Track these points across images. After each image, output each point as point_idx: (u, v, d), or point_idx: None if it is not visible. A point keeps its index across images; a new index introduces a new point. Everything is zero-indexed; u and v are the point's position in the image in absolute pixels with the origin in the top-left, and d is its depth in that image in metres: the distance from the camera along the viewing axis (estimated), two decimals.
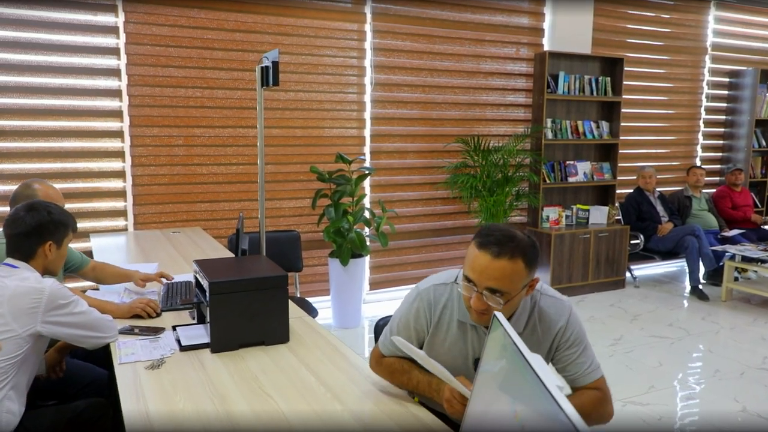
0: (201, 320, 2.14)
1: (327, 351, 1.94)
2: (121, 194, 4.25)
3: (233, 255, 3.21)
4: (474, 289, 1.43)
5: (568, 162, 5.70)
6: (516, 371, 0.99)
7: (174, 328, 2.11)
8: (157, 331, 2.09)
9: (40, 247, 1.90)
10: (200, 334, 2.03)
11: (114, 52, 4.10)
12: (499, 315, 1.09)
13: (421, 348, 1.65)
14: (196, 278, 2.11)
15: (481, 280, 1.42)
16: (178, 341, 1.98)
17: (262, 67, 2.63)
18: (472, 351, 1.61)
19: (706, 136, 6.72)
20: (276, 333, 1.98)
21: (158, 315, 2.25)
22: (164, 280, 2.57)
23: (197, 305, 2.16)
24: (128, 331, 2.07)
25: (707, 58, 6.49)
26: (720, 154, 6.85)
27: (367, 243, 4.61)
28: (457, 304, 1.61)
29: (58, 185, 4.01)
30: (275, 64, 2.53)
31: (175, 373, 1.75)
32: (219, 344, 1.91)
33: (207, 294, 1.90)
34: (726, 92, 6.72)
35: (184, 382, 1.69)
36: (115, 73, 4.12)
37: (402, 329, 1.68)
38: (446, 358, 1.60)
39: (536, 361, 0.87)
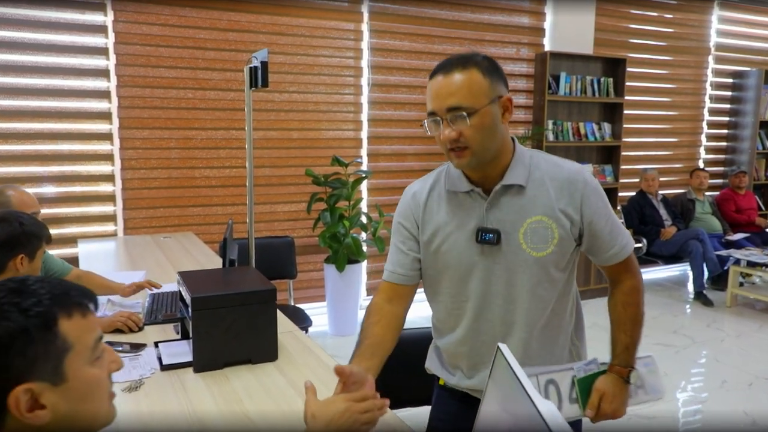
0: (185, 335, 2.02)
1: (317, 370, 1.82)
2: (110, 198, 4.13)
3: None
4: (438, 119, 1.36)
5: None
6: (517, 399, 0.88)
7: (156, 344, 1.99)
8: (138, 347, 1.97)
9: (10, 261, 1.78)
10: (183, 351, 1.91)
11: (103, 52, 3.98)
12: (503, 346, 0.98)
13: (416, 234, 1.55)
14: (180, 291, 2.00)
15: (440, 103, 1.35)
16: (160, 359, 1.86)
17: (250, 68, 2.51)
18: (470, 220, 1.46)
19: (710, 137, 6.61)
20: (263, 351, 1.86)
21: (140, 329, 2.14)
22: (153, 289, 2.41)
23: (181, 320, 2.04)
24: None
25: (710, 59, 6.38)
26: (723, 156, 6.74)
27: (364, 248, 4.50)
28: (445, 179, 1.52)
29: (45, 189, 3.91)
30: (264, 64, 2.41)
31: (154, 396, 1.64)
32: (202, 363, 1.79)
33: (189, 309, 1.79)
34: (729, 93, 6.60)
35: (162, 407, 1.57)
36: (103, 73, 4.01)
37: (404, 219, 1.56)
38: (443, 237, 1.49)
39: (545, 407, 0.76)
